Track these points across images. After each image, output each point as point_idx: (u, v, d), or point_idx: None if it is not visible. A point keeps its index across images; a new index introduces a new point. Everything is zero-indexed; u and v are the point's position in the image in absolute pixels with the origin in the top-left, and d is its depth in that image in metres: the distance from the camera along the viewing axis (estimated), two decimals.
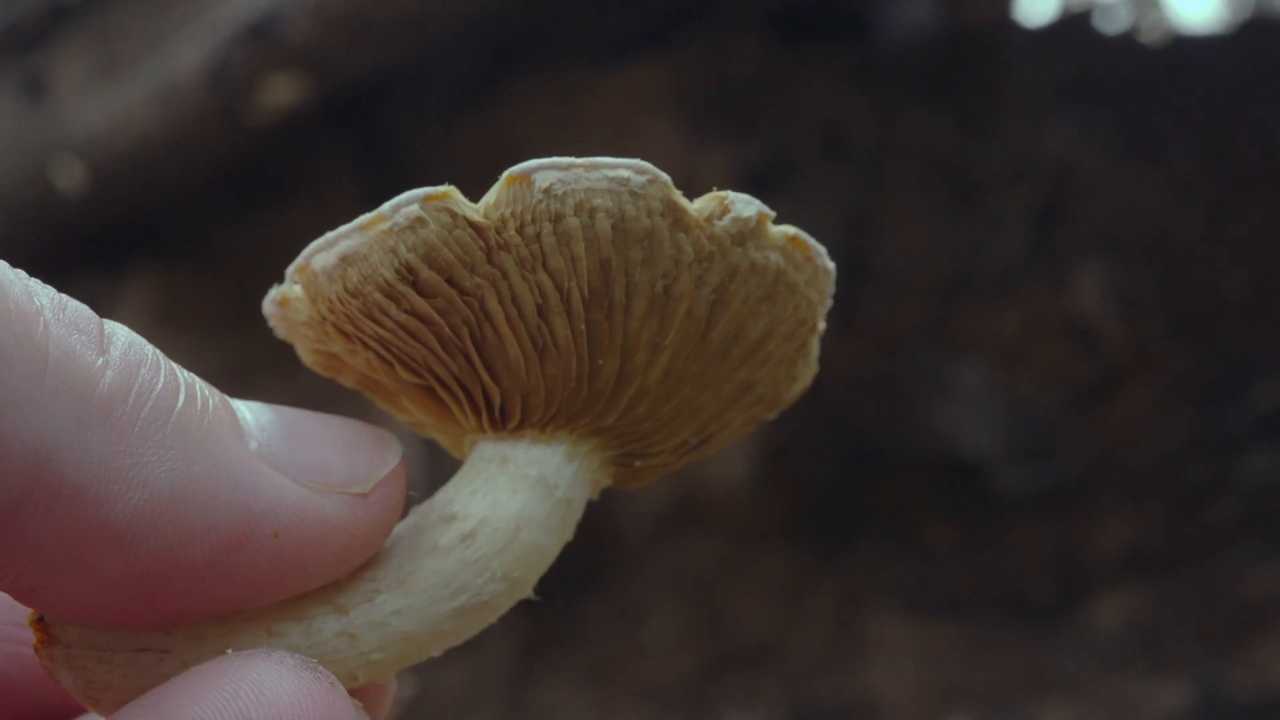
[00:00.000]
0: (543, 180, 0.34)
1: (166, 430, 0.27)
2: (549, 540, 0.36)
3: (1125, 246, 2.38)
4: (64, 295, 0.29)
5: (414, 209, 0.35)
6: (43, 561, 0.26)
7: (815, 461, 2.41)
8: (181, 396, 0.28)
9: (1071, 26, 2.77)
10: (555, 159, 0.35)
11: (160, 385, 0.28)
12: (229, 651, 0.28)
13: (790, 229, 0.41)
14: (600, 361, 0.36)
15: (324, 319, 0.36)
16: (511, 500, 0.35)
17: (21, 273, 0.28)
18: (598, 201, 0.34)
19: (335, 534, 0.29)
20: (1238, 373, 2.34)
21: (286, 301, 0.37)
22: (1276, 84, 2.53)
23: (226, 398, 0.31)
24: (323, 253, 0.36)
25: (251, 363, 2.61)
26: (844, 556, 2.47)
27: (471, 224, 0.35)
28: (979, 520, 2.41)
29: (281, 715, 0.27)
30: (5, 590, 0.27)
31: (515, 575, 0.35)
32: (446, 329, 0.35)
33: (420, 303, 0.35)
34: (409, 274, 0.35)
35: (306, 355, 0.41)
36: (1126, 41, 2.76)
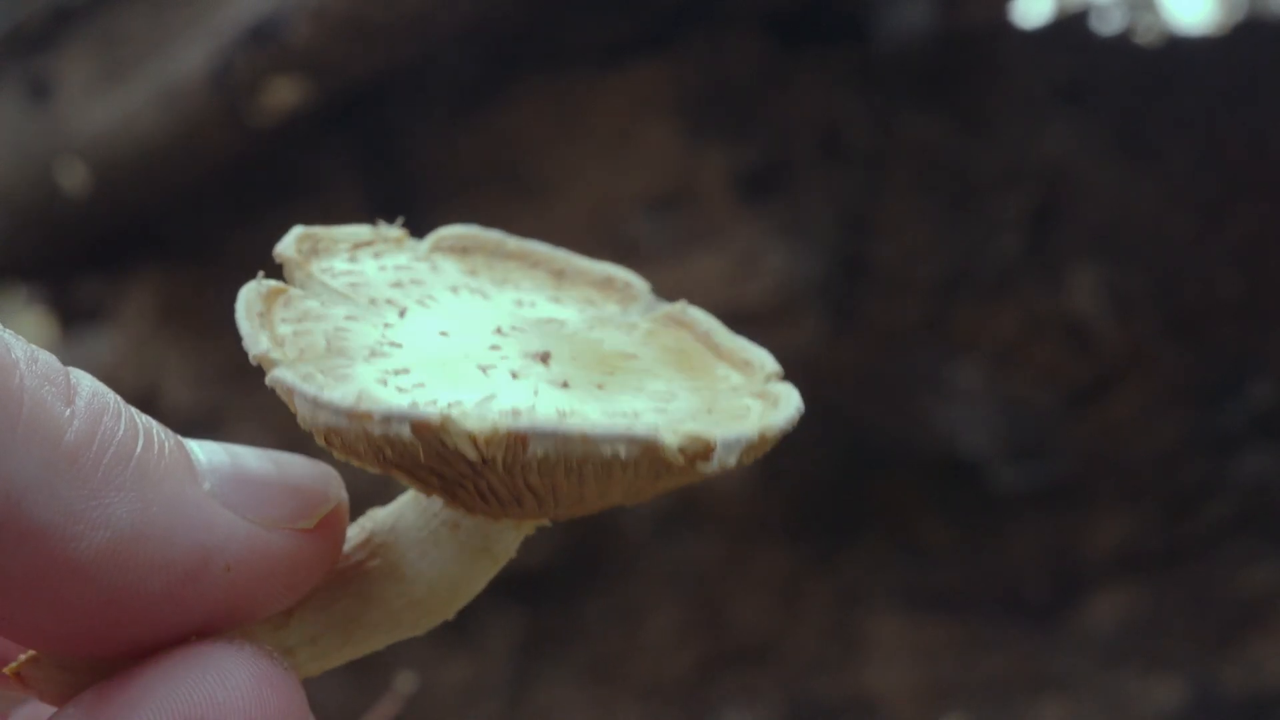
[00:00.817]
0: (537, 446, 0.32)
1: (127, 474, 0.29)
2: (479, 587, 0.38)
3: (1120, 247, 2.38)
4: (34, 346, 0.31)
5: (404, 430, 0.32)
6: (13, 594, 0.29)
7: (813, 461, 2.41)
8: (140, 442, 0.30)
9: (1067, 28, 2.77)
10: (553, 425, 0.32)
11: (121, 432, 0.30)
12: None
13: (758, 433, 0.40)
14: (559, 509, 0.37)
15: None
16: (456, 567, 0.37)
17: (22, 340, 0.30)
18: (587, 468, 0.33)
19: (283, 566, 0.32)
20: (1232, 372, 2.34)
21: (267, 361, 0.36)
22: (1269, 85, 2.53)
23: (180, 440, 0.33)
24: (304, 402, 0.33)
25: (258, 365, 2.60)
26: (842, 555, 2.47)
27: (460, 451, 0.33)
28: (976, 519, 2.41)
29: (244, 697, 0.30)
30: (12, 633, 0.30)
31: (446, 614, 0.38)
32: (424, 469, 0.35)
33: (401, 448, 0.34)
34: (390, 458, 0.34)
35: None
36: (1122, 43, 2.76)
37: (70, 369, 0.31)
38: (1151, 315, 2.35)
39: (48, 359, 0.31)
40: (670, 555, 2.44)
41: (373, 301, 0.36)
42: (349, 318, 0.35)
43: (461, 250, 0.39)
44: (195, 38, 2.12)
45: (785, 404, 0.40)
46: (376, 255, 0.38)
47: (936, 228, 2.36)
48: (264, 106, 2.06)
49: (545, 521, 0.38)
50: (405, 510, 0.38)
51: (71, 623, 0.29)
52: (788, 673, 2.44)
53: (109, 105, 2.22)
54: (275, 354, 0.33)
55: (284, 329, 0.35)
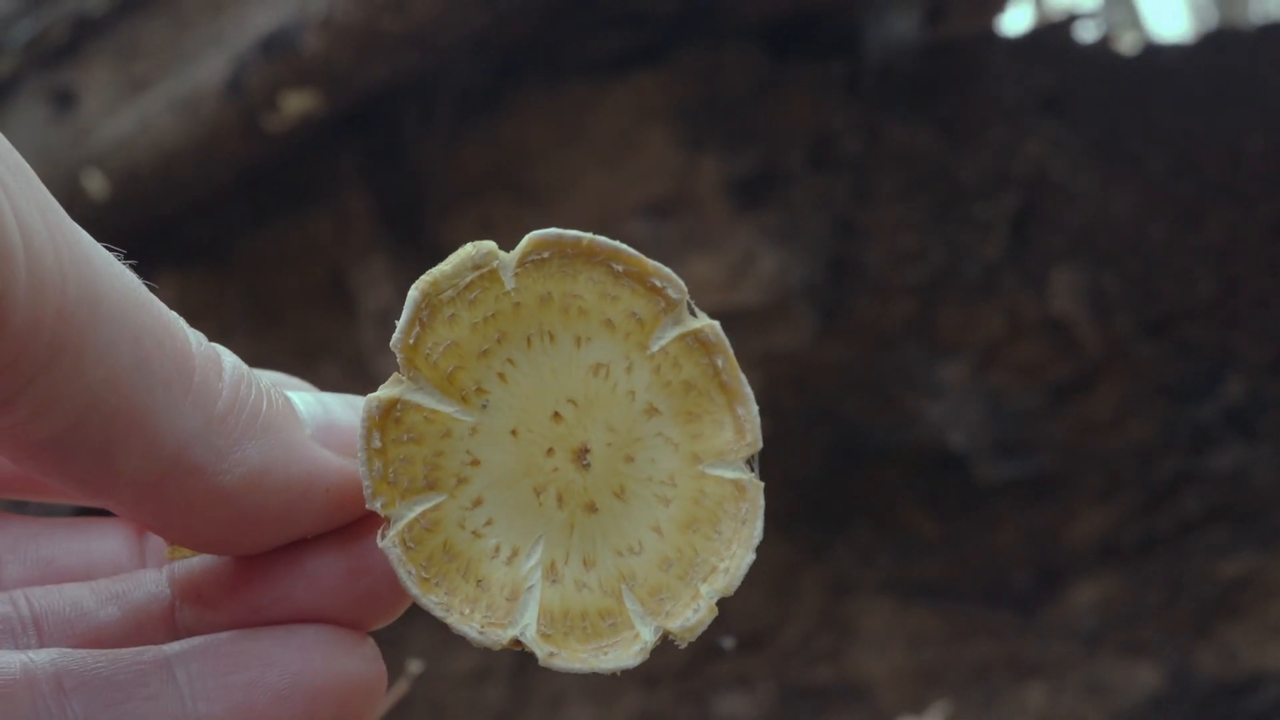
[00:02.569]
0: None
1: (257, 426, 0.39)
2: None
3: (1099, 250, 2.39)
4: (199, 333, 0.40)
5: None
6: (177, 511, 0.38)
7: (804, 455, 2.42)
8: (265, 402, 0.39)
9: (1048, 37, 2.77)
10: (543, 657, 0.43)
11: (253, 397, 0.39)
12: None
13: None
14: None
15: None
16: None
17: (180, 319, 0.39)
18: None
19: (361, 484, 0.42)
20: (1207, 370, 2.35)
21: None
22: (1241, 91, 2.53)
23: (288, 396, 0.42)
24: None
25: (269, 363, 2.61)
26: (832, 546, 2.48)
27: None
28: (961, 511, 2.41)
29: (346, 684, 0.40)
30: (155, 530, 0.40)
31: None
32: None
33: None
34: None
35: None
36: (1101, 51, 2.76)
37: (217, 346, 0.40)
38: (1129, 315, 2.36)
39: (204, 341, 0.39)
40: None
41: (464, 398, 0.42)
42: (444, 434, 0.42)
43: (540, 262, 0.43)
44: (212, 48, 2.12)
45: (735, 575, 0.45)
46: (471, 304, 0.43)
47: (922, 232, 2.36)
48: (278, 114, 2.06)
49: None
50: None
51: (216, 530, 0.39)
52: (780, 660, 2.44)
53: (129, 114, 2.22)
54: (384, 512, 0.41)
55: (396, 453, 0.42)
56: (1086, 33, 2.81)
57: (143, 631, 0.42)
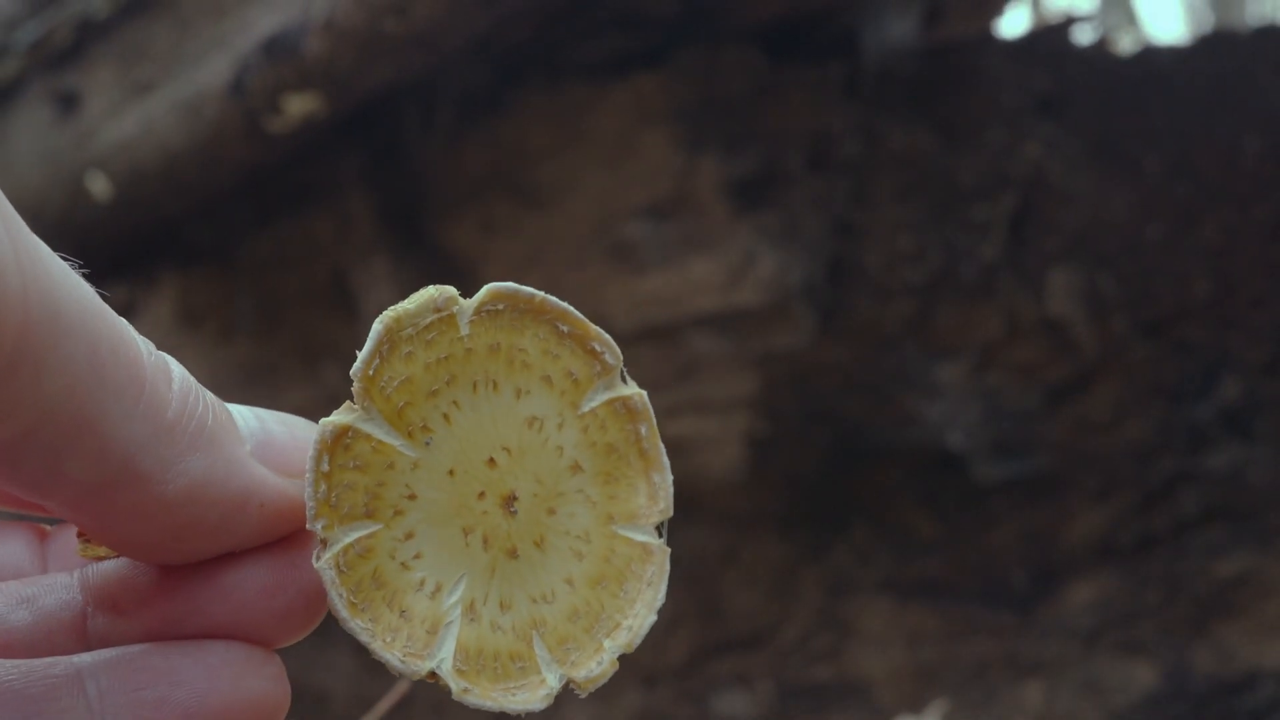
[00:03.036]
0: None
1: (201, 440, 0.39)
2: None
3: (1096, 251, 2.39)
4: (149, 342, 0.40)
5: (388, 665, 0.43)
6: (117, 518, 0.39)
7: (803, 455, 2.42)
8: (210, 416, 0.40)
9: (1045, 39, 2.77)
10: (457, 692, 0.43)
11: (199, 410, 0.40)
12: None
13: None
14: None
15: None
16: None
17: (130, 327, 0.39)
18: None
19: (295, 503, 0.42)
20: (1203, 370, 2.35)
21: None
22: (1237, 93, 2.53)
23: (227, 409, 0.42)
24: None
25: (270, 363, 2.61)
26: (831, 546, 2.48)
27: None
28: (959, 511, 2.41)
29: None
30: (90, 531, 0.41)
31: None
32: None
33: None
34: None
35: None
36: (1098, 53, 2.76)
37: (165, 356, 0.40)
38: (1126, 316, 2.36)
39: (153, 349, 0.40)
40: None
41: (410, 433, 0.44)
42: (388, 465, 0.44)
43: (495, 313, 0.46)
44: (215, 51, 2.12)
45: (636, 633, 0.47)
46: (428, 344, 0.45)
47: (921, 233, 2.36)
48: (280, 117, 2.06)
49: None
50: None
51: (151, 538, 0.40)
52: (779, 659, 2.44)
53: (133, 116, 2.22)
54: (323, 534, 0.43)
55: (341, 478, 0.43)
56: (1083, 35, 2.81)
57: (53, 639, 0.42)
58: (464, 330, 0.45)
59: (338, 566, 0.42)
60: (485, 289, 0.45)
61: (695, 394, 2.26)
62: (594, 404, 0.47)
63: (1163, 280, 2.38)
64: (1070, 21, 2.81)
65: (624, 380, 0.47)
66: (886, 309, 2.34)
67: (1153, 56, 2.79)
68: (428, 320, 0.44)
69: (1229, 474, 2.30)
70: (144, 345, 0.39)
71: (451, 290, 0.44)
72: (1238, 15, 5.98)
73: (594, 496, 0.46)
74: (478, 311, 0.45)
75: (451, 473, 0.44)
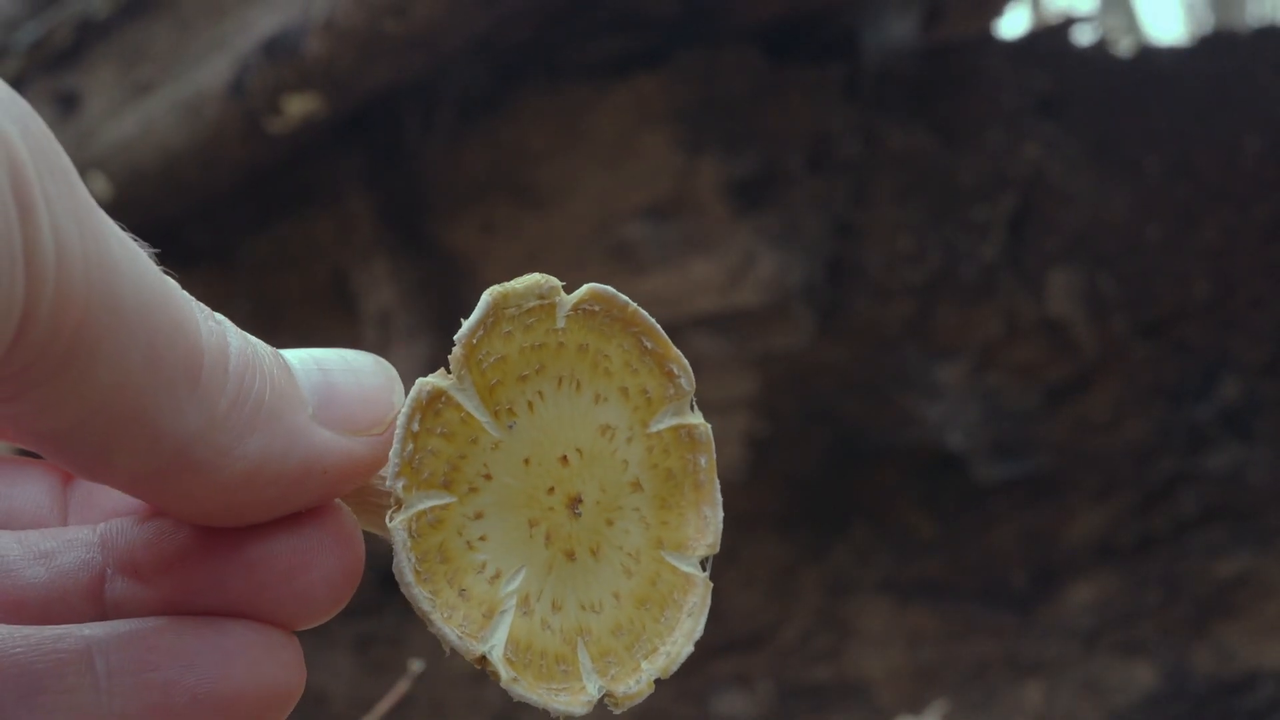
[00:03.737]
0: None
1: (259, 418, 0.38)
2: None
3: (1096, 252, 2.39)
4: (209, 313, 0.38)
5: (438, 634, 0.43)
6: (175, 497, 0.39)
7: (803, 456, 2.42)
8: (268, 389, 0.39)
9: (1045, 40, 2.77)
10: (505, 683, 0.43)
11: (257, 386, 0.38)
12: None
13: None
14: None
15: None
16: None
17: (194, 305, 0.38)
18: None
19: (362, 463, 0.41)
20: (1203, 371, 2.35)
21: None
22: (1237, 94, 2.53)
23: (288, 367, 0.41)
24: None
25: None
26: (831, 546, 2.47)
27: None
28: (959, 511, 2.41)
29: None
30: (156, 507, 0.41)
31: None
32: None
33: None
34: None
35: None
36: (1098, 54, 2.76)
37: (226, 327, 0.39)
38: (1126, 316, 2.36)
39: (214, 325, 0.38)
40: None
41: (496, 413, 0.44)
42: (471, 440, 0.43)
43: (590, 314, 0.46)
44: (215, 52, 2.12)
45: (673, 660, 0.47)
46: (527, 328, 0.45)
47: (920, 233, 2.36)
48: (280, 117, 2.06)
49: None
50: None
51: (212, 514, 0.39)
52: (779, 659, 2.44)
53: (132, 116, 2.22)
54: (401, 494, 0.42)
55: (426, 442, 0.43)
56: (1083, 36, 2.81)
57: (68, 600, 0.41)
58: (560, 323, 0.45)
59: (410, 531, 0.41)
60: (586, 287, 0.45)
61: (695, 394, 2.25)
62: (661, 426, 0.47)
63: (1162, 281, 2.38)
64: (1070, 22, 2.81)
65: (692, 408, 0.48)
66: (886, 309, 2.34)
67: (1152, 57, 2.79)
68: (530, 304, 0.44)
69: (1228, 474, 2.30)
70: (204, 323, 0.38)
71: (556, 281, 0.44)
72: (1237, 15, 5.98)
73: (648, 518, 0.47)
74: (575, 308, 0.45)
75: (527, 461, 0.44)
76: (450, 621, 0.42)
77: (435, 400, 0.42)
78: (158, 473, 0.37)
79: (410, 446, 0.41)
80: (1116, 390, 2.35)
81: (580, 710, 0.44)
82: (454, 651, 0.42)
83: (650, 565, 0.46)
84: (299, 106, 2.04)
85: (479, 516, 0.43)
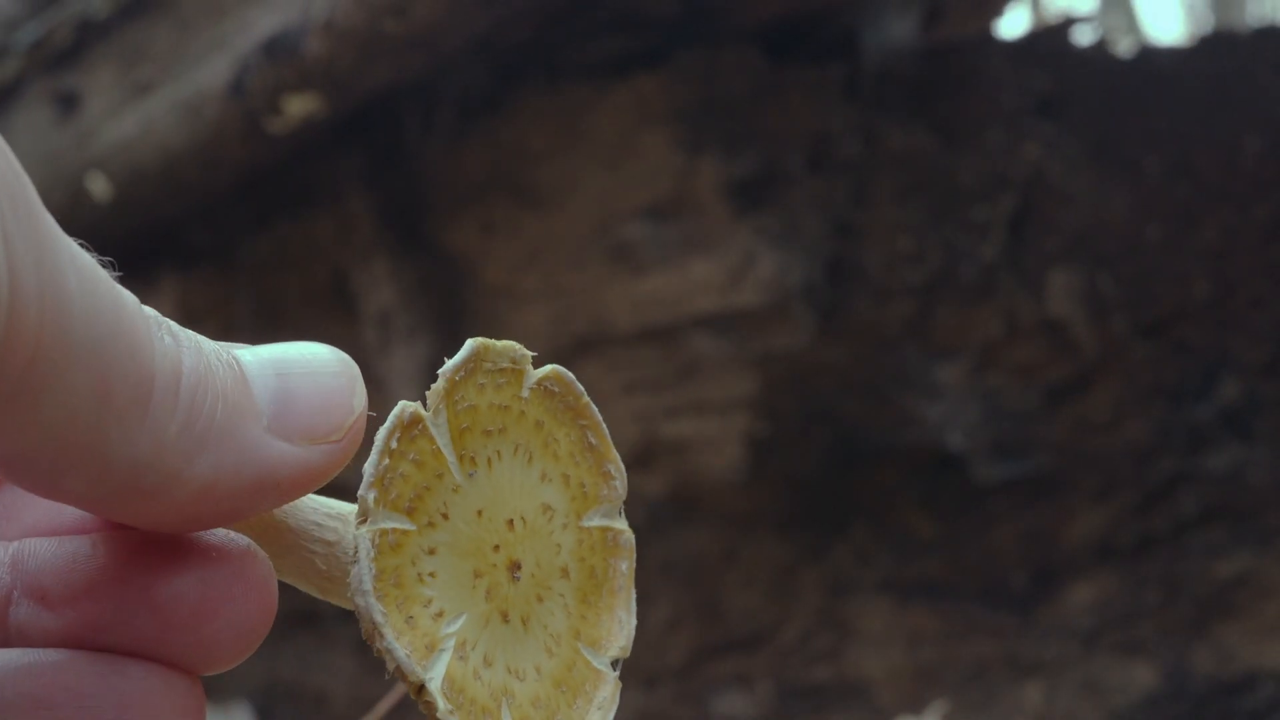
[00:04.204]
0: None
1: (211, 437, 0.37)
2: None
3: (1096, 252, 2.39)
4: (164, 328, 0.38)
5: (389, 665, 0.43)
6: (126, 518, 0.38)
7: (803, 456, 2.42)
8: (220, 407, 0.38)
9: (1045, 40, 2.77)
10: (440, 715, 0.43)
11: (208, 404, 0.37)
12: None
13: None
14: None
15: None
16: None
17: (150, 322, 0.37)
18: None
19: (319, 472, 0.40)
20: (1203, 371, 2.35)
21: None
22: (1237, 94, 2.53)
23: (243, 375, 0.40)
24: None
25: None
26: (831, 546, 2.47)
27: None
28: (959, 511, 2.41)
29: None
30: (106, 520, 0.40)
31: None
32: None
33: None
34: None
35: None
36: (1098, 54, 2.76)
37: (179, 343, 0.38)
38: (1125, 317, 2.36)
39: (167, 340, 0.37)
40: (666, 547, 2.44)
41: (461, 458, 0.45)
42: (438, 475, 0.44)
43: (550, 393, 0.47)
44: (215, 52, 2.12)
45: None
46: (497, 388, 0.46)
47: (920, 234, 2.36)
48: (280, 117, 2.06)
49: None
50: None
51: (165, 525, 0.39)
52: (779, 659, 2.44)
53: (132, 117, 2.22)
54: (372, 505, 0.43)
55: (399, 465, 0.43)
56: (1083, 36, 2.81)
57: None
58: (525, 393, 0.46)
59: (374, 543, 0.42)
60: (550, 367, 0.47)
61: (695, 395, 2.26)
62: (592, 524, 0.48)
63: (1162, 281, 2.38)
64: (1070, 22, 2.81)
65: (621, 514, 0.49)
66: (886, 309, 2.34)
67: (1153, 57, 2.79)
68: (503, 365, 0.46)
69: (1229, 474, 2.30)
70: (158, 343, 0.37)
71: (529, 353, 0.46)
72: (1238, 15, 5.98)
73: (570, 608, 0.48)
74: (539, 383, 0.46)
75: (480, 514, 0.45)
76: (400, 641, 0.42)
77: (414, 425, 0.43)
78: (107, 496, 0.37)
79: (385, 462, 0.42)
80: (1116, 390, 2.35)
81: None
82: (397, 670, 0.42)
83: (568, 652, 0.48)
84: (299, 106, 2.04)
85: (432, 552, 0.44)
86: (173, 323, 0.39)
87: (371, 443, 0.43)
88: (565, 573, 0.47)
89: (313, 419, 0.40)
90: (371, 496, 0.41)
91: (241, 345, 0.42)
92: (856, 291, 2.33)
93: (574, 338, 2.30)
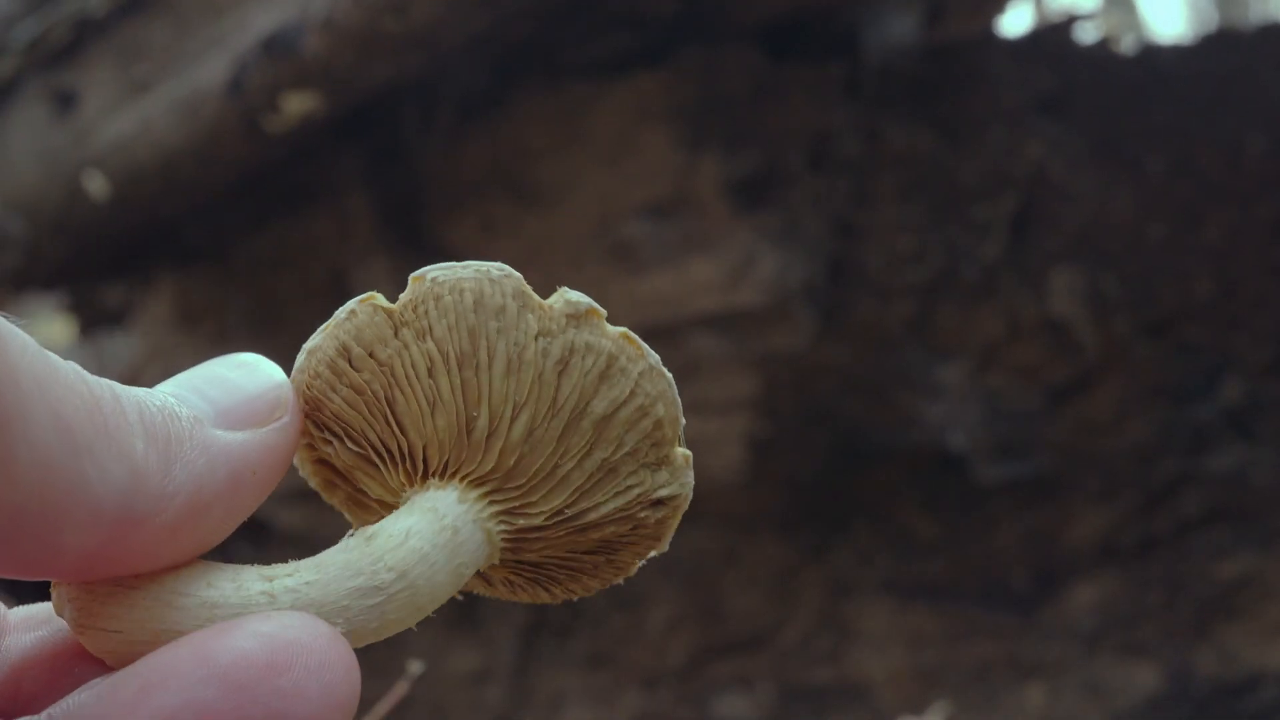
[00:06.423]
0: (431, 273, 0.47)
1: (172, 448, 0.39)
2: (435, 553, 0.47)
3: (1098, 251, 2.39)
4: (82, 373, 0.39)
5: (351, 305, 0.47)
6: (135, 559, 0.39)
7: (804, 456, 2.42)
8: (167, 420, 0.39)
9: (1048, 38, 2.77)
10: (447, 263, 0.47)
11: (158, 419, 0.39)
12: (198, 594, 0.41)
13: (623, 329, 0.53)
14: (474, 413, 0.48)
15: (304, 416, 0.48)
16: (407, 519, 0.47)
17: (69, 364, 0.38)
18: (465, 284, 0.48)
19: (283, 449, 0.43)
20: (1205, 371, 2.35)
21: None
22: (1240, 92, 2.53)
23: (170, 395, 0.41)
24: (299, 357, 0.48)
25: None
26: (832, 547, 2.48)
27: (385, 309, 0.48)
28: (960, 512, 2.41)
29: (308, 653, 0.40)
30: (120, 574, 0.40)
31: (404, 569, 0.45)
32: (370, 394, 0.48)
33: (353, 375, 0.48)
34: (345, 351, 0.48)
35: (310, 474, 0.52)
36: (1100, 52, 2.76)
37: (101, 382, 0.39)
38: (1128, 316, 2.36)
39: (95, 381, 0.38)
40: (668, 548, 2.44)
41: None
42: None
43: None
44: (213, 50, 2.12)
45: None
46: None
47: (922, 233, 2.36)
48: (279, 116, 2.06)
49: (490, 504, 0.49)
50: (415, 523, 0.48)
51: (172, 556, 0.40)
52: (780, 660, 2.44)
53: (130, 115, 2.22)
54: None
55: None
56: (1086, 34, 2.81)
57: None
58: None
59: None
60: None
61: (695, 394, 2.26)
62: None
63: (1165, 280, 2.38)
64: (1072, 20, 2.81)
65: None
66: (887, 309, 2.34)
67: (1155, 55, 2.79)
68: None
69: (1231, 475, 2.30)
70: (92, 384, 0.38)
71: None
72: (1241, 14, 5.98)
73: None
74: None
75: None
76: None
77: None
78: (109, 540, 0.37)
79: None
80: (1118, 391, 2.35)
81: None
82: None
83: None
84: (297, 105, 2.04)
85: None
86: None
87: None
88: None
89: (251, 404, 0.43)
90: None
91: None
92: (857, 291, 2.33)
93: None
